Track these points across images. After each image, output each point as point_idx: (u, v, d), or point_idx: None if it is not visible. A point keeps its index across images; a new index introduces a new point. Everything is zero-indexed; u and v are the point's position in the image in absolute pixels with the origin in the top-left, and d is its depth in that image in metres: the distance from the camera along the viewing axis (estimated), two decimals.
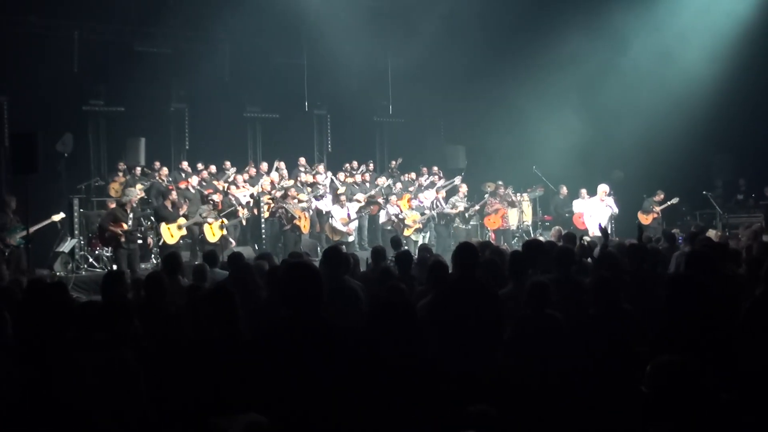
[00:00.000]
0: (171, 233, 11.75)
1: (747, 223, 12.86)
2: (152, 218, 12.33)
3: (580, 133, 15.38)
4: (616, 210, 13.61)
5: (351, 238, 13.78)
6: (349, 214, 13.90)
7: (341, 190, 14.61)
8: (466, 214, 14.74)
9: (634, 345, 4.24)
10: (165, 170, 14.22)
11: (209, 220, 12.27)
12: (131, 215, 10.85)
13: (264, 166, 15.00)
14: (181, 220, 11.97)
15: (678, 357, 2.72)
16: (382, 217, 14.28)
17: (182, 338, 4.56)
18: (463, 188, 15.15)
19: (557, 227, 10.95)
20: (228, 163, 14.85)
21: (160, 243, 11.82)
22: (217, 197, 13.16)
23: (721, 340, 3.85)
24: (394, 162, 17.03)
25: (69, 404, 3.59)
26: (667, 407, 2.65)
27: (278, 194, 13.51)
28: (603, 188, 13.64)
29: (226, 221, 12.39)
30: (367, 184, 15.45)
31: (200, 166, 14.61)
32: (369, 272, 7.16)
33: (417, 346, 3.37)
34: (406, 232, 13.78)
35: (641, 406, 2.72)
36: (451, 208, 14.61)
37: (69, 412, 3.57)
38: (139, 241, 11.63)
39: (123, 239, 10.62)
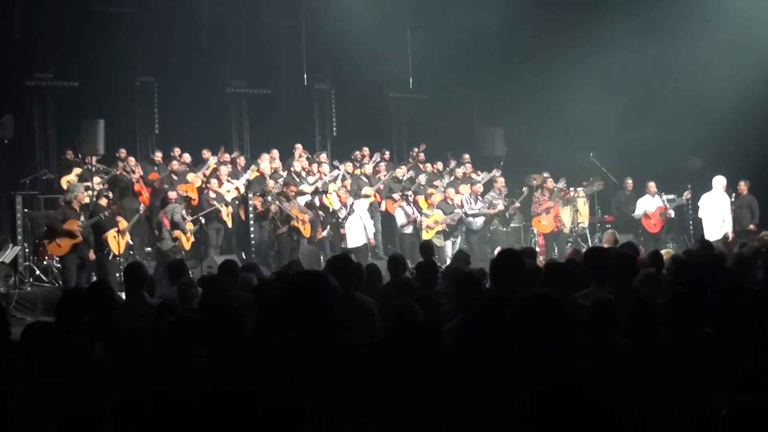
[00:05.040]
0: (117, 241, 11.76)
1: None
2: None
3: (649, 110, 15.29)
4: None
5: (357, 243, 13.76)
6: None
7: (348, 184, 14.65)
8: (507, 214, 14.77)
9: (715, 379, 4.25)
10: (132, 160, 14.29)
11: (177, 220, 12.26)
12: (82, 215, 10.98)
13: (263, 157, 14.87)
14: (122, 224, 11.92)
15: (760, 399, 2.73)
16: (400, 219, 14.31)
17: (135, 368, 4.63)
18: (500, 182, 15.15)
19: (611, 230, 11.00)
20: (207, 152, 14.95)
21: (110, 257, 11.84)
22: (192, 194, 13.22)
23: None
24: (416, 149, 17.04)
25: None
26: None
27: (272, 190, 13.51)
28: (722, 181, 13.85)
29: (191, 225, 12.42)
30: (382, 177, 15.44)
31: (177, 150, 14.72)
32: (387, 287, 7.23)
33: (440, 380, 3.35)
34: (425, 235, 13.85)
35: None
36: (489, 207, 14.64)
37: None
38: None
39: (80, 240, 10.82)
